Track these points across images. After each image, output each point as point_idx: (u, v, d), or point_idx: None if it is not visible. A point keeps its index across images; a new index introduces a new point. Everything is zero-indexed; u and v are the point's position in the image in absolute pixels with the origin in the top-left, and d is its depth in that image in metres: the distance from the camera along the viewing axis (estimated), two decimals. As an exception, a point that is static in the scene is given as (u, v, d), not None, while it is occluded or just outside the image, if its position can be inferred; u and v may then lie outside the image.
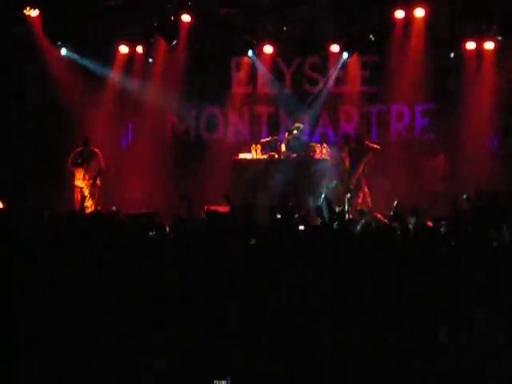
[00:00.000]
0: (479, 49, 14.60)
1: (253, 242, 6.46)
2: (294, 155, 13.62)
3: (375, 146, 13.85)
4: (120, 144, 16.05)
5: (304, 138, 14.20)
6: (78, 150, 13.75)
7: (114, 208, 11.12)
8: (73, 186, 13.79)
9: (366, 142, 13.82)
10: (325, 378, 4.94)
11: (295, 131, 13.87)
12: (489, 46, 14.48)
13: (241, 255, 5.94)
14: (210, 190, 14.64)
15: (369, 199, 13.60)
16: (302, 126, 14.12)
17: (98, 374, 4.79)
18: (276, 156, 13.73)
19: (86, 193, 13.57)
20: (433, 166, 14.61)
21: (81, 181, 13.68)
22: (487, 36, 14.37)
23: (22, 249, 5.80)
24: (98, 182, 13.71)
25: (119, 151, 15.71)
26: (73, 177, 13.80)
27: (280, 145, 13.83)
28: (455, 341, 5.04)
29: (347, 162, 13.66)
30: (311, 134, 15.55)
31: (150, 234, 7.03)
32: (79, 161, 13.66)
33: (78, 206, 13.40)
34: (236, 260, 5.82)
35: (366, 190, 13.67)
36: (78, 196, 13.65)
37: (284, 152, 13.69)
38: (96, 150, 13.82)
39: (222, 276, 5.55)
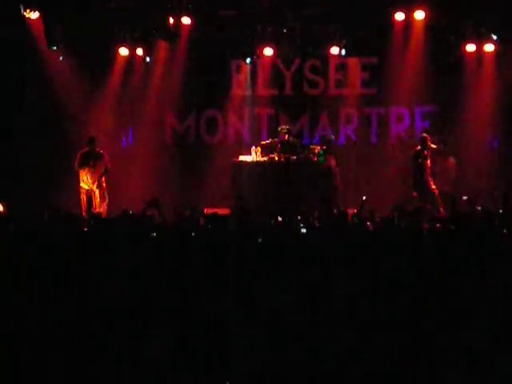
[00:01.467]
0: (479, 51, 14.59)
1: (260, 240, 6.47)
2: (294, 157, 13.61)
3: (435, 146, 13.79)
4: (120, 145, 16.03)
5: (292, 139, 14.09)
6: (85, 150, 13.63)
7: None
8: (78, 188, 13.65)
9: (429, 144, 13.78)
10: (327, 379, 4.93)
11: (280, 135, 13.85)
12: (489, 48, 14.47)
13: (242, 255, 5.93)
14: (209, 192, 14.65)
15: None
16: (286, 127, 14.04)
17: (97, 372, 4.80)
18: (276, 158, 13.71)
19: (92, 194, 13.47)
20: (443, 168, 14.62)
21: (86, 182, 13.58)
22: (487, 38, 14.36)
23: (22, 249, 5.81)
24: (104, 183, 13.64)
25: (119, 152, 15.68)
26: (78, 178, 13.64)
27: (280, 147, 13.81)
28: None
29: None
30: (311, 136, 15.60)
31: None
32: (86, 162, 13.53)
33: (83, 208, 13.36)
34: (237, 260, 5.82)
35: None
36: (83, 197, 13.55)
37: (283, 155, 13.66)
38: (102, 152, 13.76)
39: (223, 275, 5.54)
